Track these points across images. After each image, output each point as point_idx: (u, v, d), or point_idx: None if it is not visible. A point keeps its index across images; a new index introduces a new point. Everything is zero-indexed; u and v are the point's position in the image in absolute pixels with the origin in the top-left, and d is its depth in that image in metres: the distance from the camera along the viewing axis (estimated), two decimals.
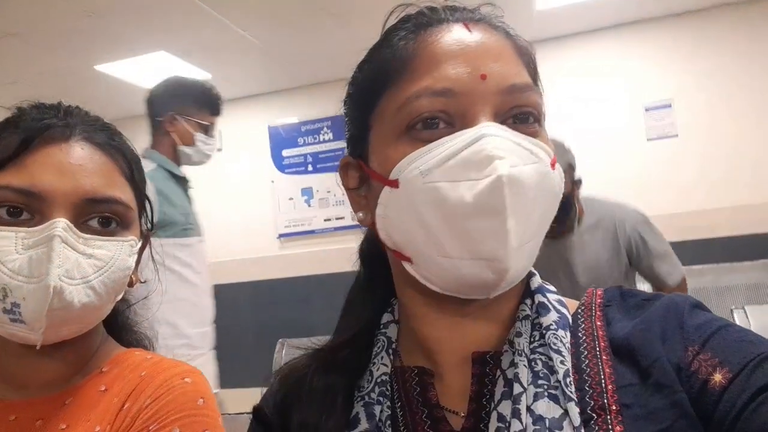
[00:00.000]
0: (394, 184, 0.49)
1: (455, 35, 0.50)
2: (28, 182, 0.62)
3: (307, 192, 4.67)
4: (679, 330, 0.48)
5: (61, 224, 0.61)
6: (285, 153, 4.74)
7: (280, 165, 4.76)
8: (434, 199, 0.46)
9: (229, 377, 4.68)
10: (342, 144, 0.59)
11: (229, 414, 0.90)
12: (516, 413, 0.46)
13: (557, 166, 0.50)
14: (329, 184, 4.55)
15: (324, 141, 4.64)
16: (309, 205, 4.60)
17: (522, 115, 0.50)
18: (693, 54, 3.90)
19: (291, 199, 4.69)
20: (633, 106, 4.02)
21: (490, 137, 0.46)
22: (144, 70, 4.04)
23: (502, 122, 0.49)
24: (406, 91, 0.49)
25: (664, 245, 1.96)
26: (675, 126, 3.94)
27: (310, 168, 4.68)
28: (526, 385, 0.47)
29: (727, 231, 3.68)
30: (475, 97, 0.48)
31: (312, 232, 4.62)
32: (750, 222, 3.64)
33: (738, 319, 1.37)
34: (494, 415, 0.47)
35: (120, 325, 0.81)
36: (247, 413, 0.97)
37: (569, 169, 1.90)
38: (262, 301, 4.74)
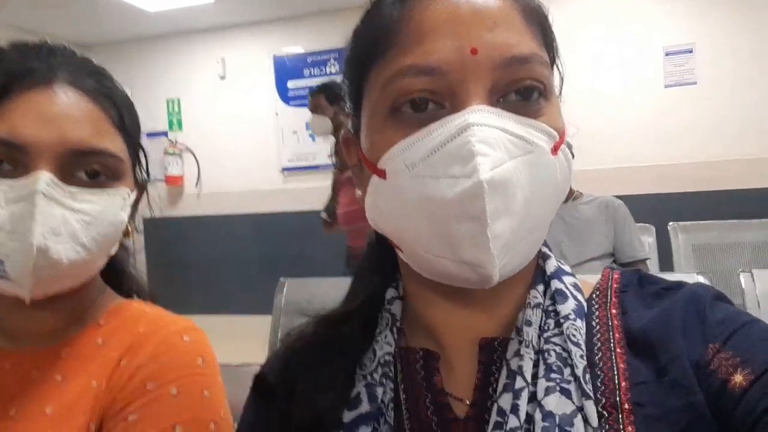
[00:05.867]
0: (382, 174, 0.46)
1: (445, 1, 0.44)
2: (7, 132, 0.58)
3: None
4: (699, 325, 0.46)
5: (43, 178, 0.57)
6: (290, 84, 4.61)
7: (285, 97, 4.64)
8: (419, 195, 0.43)
9: (231, 304, 4.78)
10: None
11: (232, 366, 0.90)
12: (515, 409, 0.43)
13: (563, 149, 0.46)
14: None
15: (331, 74, 4.48)
16: (313, 140, 4.52)
17: (524, 90, 0.45)
18: None
19: (295, 132, 4.61)
20: (652, 49, 3.87)
21: (476, 127, 0.41)
22: None
23: (501, 98, 0.44)
24: (391, 67, 0.45)
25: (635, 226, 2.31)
26: (694, 73, 3.80)
27: None
28: (530, 379, 0.45)
29: (740, 184, 3.63)
30: (465, 75, 0.43)
31: (316, 167, 4.55)
32: (765, 176, 3.58)
33: (744, 283, 1.35)
34: (495, 407, 0.45)
35: (119, 273, 0.79)
36: (248, 365, 0.98)
37: None
38: (265, 233, 4.76)
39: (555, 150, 0.45)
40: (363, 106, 0.50)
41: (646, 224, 2.56)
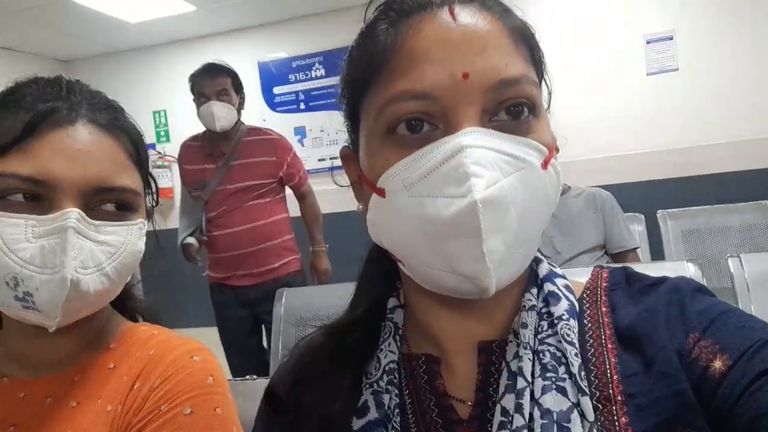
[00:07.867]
0: (381, 193, 0.48)
1: (437, 26, 0.46)
2: (36, 170, 0.60)
3: (300, 131, 4.57)
4: (680, 316, 0.48)
5: (74, 215, 0.60)
6: (276, 90, 4.61)
7: (272, 103, 4.64)
8: (417, 213, 0.46)
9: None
10: (335, 81, 0.57)
11: (237, 380, 0.92)
12: (519, 408, 0.46)
13: (552, 163, 0.48)
14: (322, 122, 4.45)
15: (316, 78, 4.49)
16: (302, 145, 4.52)
17: (514, 109, 0.47)
18: None
19: None
20: (633, 38, 3.91)
21: (469, 149, 0.43)
22: (125, 2, 3.85)
23: (492, 117, 0.47)
24: (386, 92, 0.47)
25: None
26: (676, 60, 3.84)
27: (302, 106, 4.56)
28: (530, 379, 0.47)
29: (724, 168, 3.69)
30: (458, 99, 0.45)
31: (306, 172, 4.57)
32: (747, 158, 3.64)
33: (732, 267, 1.38)
34: (498, 408, 0.47)
35: (124, 296, 0.81)
36: (251, 378, 1.00)
37: None
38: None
39: (545, 164, 0.47)
40: (360, 125, 0.52)
41: (636, 213, 2.61)
